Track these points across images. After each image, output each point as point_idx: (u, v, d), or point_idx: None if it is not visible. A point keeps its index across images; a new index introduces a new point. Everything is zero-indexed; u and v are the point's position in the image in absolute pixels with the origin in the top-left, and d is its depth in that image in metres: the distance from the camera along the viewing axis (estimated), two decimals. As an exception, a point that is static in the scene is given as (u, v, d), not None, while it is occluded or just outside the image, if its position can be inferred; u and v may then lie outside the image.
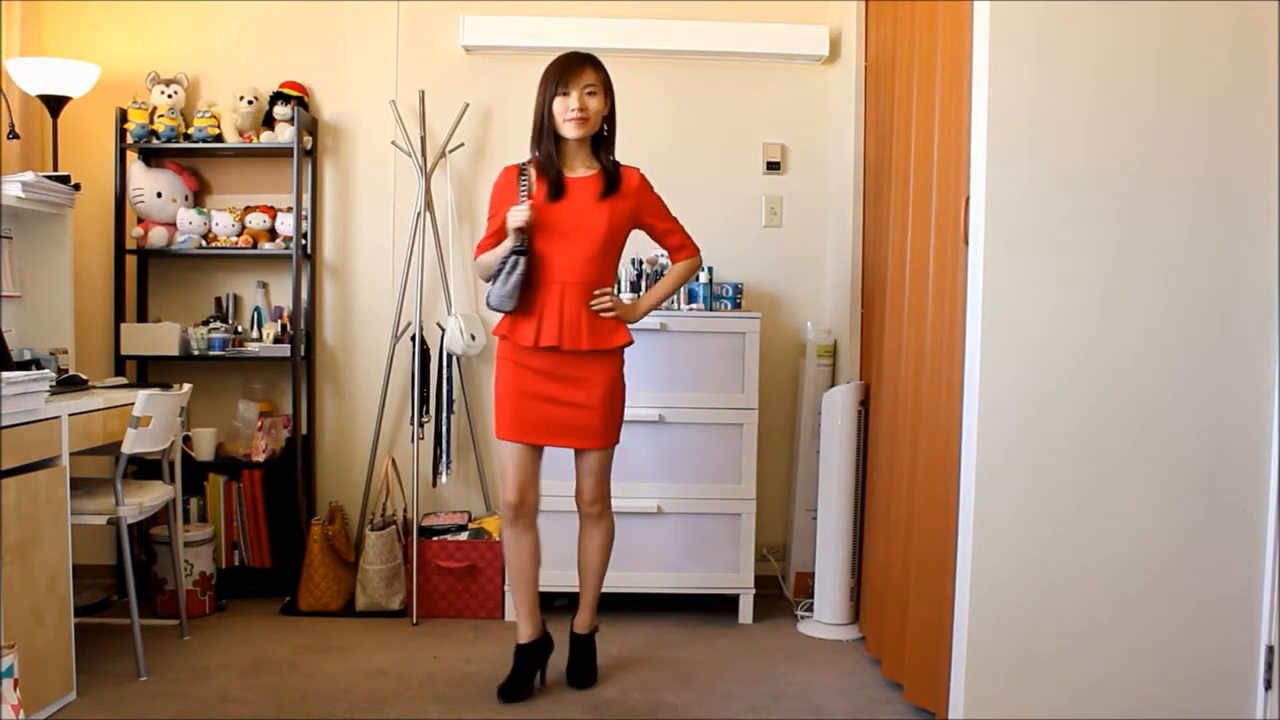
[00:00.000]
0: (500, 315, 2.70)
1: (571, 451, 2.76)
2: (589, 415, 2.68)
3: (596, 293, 2.66)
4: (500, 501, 2.78)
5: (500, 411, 2.72)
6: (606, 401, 2.69)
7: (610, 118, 2.69)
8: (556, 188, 2.64)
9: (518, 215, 2.57)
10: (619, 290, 3.40)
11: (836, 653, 3.12)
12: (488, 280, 2.69)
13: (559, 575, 3.13)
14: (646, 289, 3.42)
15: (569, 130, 2.61)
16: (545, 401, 2.67)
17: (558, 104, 2.60)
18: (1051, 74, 2.24)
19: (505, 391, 2.71)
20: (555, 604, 3.29)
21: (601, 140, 2.69)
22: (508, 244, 2.62)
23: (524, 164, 2.70)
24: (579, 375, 2.67)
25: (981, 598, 2.28)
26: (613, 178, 2.67)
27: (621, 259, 2.81)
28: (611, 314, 2.68)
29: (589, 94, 2.60)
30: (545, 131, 2.64)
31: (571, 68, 2.61)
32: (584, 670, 2.82)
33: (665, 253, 3.47)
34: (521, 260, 2.60)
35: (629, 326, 2.73)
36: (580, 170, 2.68)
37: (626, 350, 2.75)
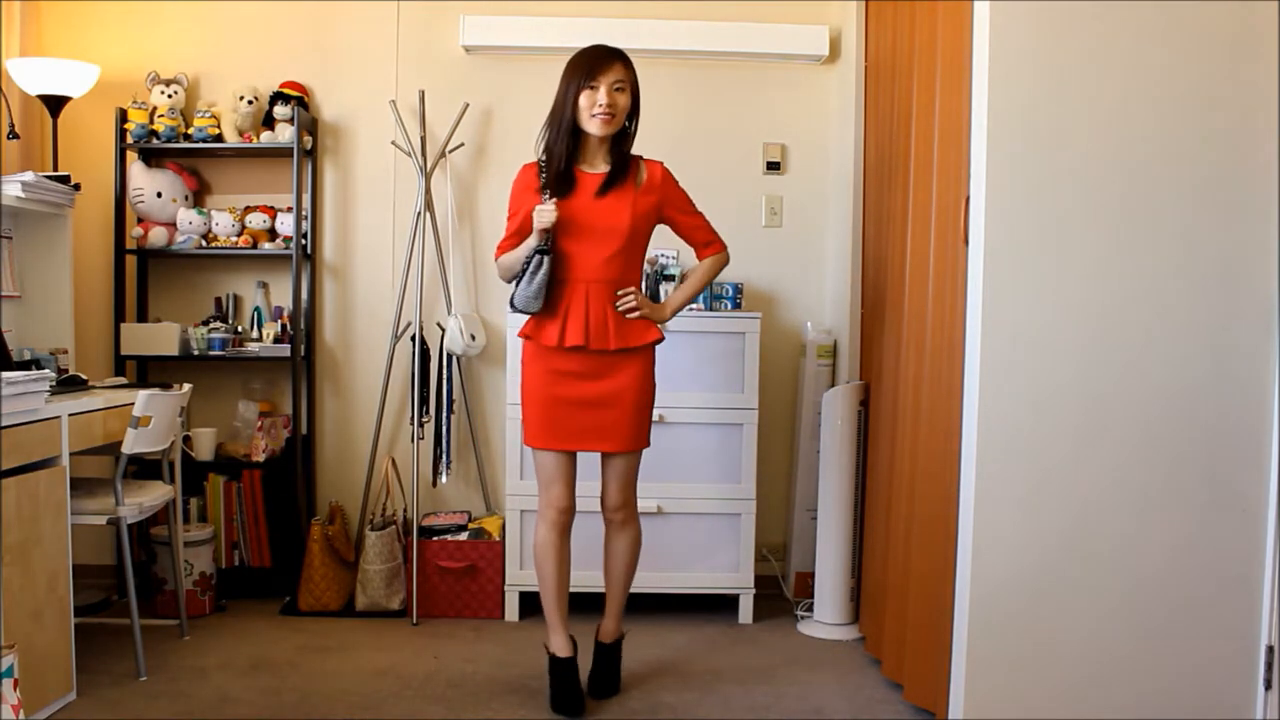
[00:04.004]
0: (525, 317, 2.63)
1: (598, 455, 2.68)
2: (618, 416, 2.60)
3: (620, 292, 2.59)
4: (537, 510, 2.70)
5: (529, 418, 2.65)
6: (636, 402, 2.62)
7: (634, 115, 2.60)
8: (565, 183, 2.56)
9: (545, 214, 2.50)
10: (644, 288, 3.38)
11: (836, 653, 3.12)
12: (509, 281, 2.64)
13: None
14: (647, 289, 3.42)
15: (594, 127, 2.52)
16: (574, 405, 2.60)
17: (584, 98, 2.51)
18: (1051, 74, 2.24)
19: (533, 396, 2.64)
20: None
21: (624, 137, 2.60)
22: (531, 243, 2.54)
23: (541, 161, 2.61)
24: (608, 375, 2.60)
25: (981, 598, 2.28)
26: (616, 171, 2.58)
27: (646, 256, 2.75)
28: (637, 314, 2.61)
29: (617, 90, 2.52)
30: (564, 125, 2.54)
31: (601, 61, 2.52)
32: (607, 679, 2.75)
33: (665, 252, 3.50)
34: (546, 259, 2.53)
35: (661, 325, 2.66)
36: (600, 166, 2.60)
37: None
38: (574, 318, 2.57)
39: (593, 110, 2.51)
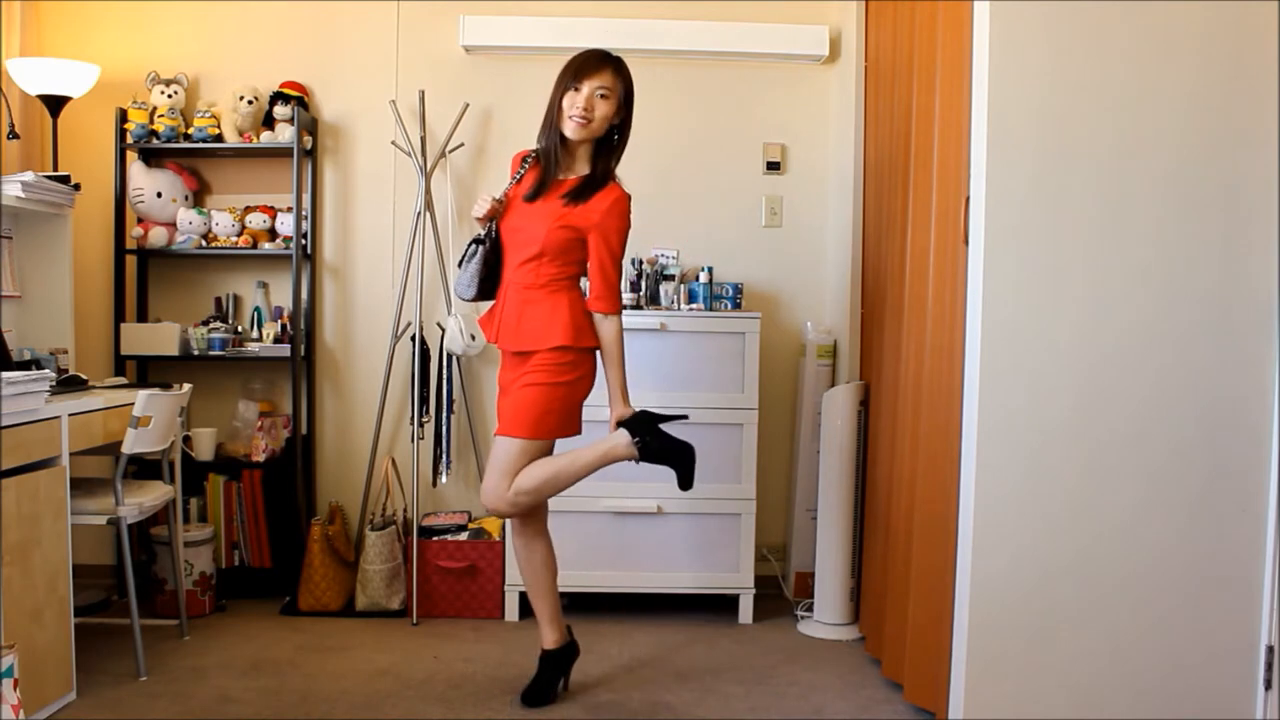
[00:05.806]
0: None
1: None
2: (505, 402, 2.59)
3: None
4: None
5: None
6: (524, 393, 2.52)
7: (622, 126, 2.57)
8: (539, 185, 2.55)
9: (478, 204, 2.57)
10: (643, 289, 3.40)
11: (836, 653, 3.12)
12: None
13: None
14: (646, 289, 3.43)
15: (569, 129, 2.51)
16: (501, 398, 2.64)
17: (567, 99, 2.51)
18: (1051, 74, 2.24)
19: None
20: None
21: (608, 147, 2.57)
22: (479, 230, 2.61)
23: (532, 152, 2.63)
24: (514, 374, 2.58)
25: (981, 598, 2.28)
26: (584, 185, 2.53)
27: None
28: None
29: (600, 96, 2.49)
30: (550, 126, 2.55)
31: (589, 65, 2.50)
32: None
33: (665, 252, 3.50)
34: (479, 249, 2.57)
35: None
36: (574, 172, 2.58)
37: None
38: (494, 313, 2.62)
39: (570, 112, 2.50)
